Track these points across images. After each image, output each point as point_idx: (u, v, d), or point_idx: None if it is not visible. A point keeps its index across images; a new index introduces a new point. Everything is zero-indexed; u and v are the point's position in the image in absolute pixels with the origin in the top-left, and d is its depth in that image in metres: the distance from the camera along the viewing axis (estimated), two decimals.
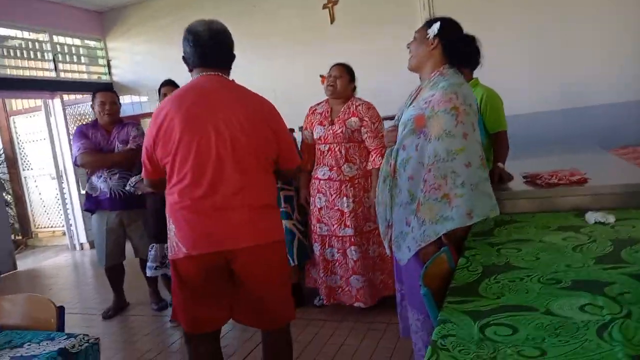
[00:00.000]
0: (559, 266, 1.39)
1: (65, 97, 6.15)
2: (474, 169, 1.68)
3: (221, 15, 6.36)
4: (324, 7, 5.33)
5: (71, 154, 3.37)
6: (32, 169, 6.82)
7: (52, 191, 6.52)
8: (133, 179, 3.15)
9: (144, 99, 6.48)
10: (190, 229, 1.71)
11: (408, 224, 1.84)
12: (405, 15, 4.98)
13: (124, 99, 6.54)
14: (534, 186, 2.21)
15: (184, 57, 1.82)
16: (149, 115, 6.34)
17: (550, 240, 1.64)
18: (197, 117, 1.69)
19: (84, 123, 3.46)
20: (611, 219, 1.76)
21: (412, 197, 1.82)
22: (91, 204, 3.44)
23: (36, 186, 6.87)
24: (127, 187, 3.22)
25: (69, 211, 6.07)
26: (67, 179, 6.02)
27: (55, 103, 5.93)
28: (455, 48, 1.81)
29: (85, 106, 6.29)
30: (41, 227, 7.01)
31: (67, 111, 6.07)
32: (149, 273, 3.23)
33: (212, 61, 1.77)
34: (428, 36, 1.82)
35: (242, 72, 5.34)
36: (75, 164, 3.45)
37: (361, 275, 2.88)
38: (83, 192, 5.92)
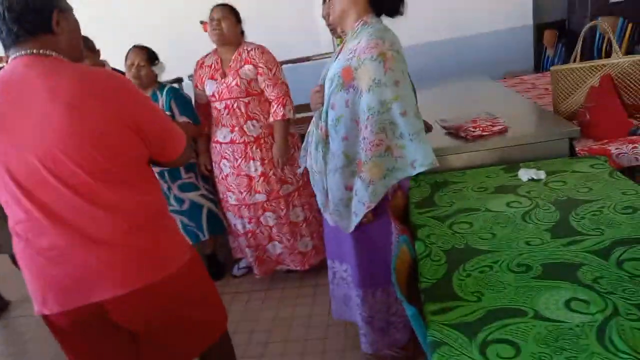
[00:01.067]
0: (518, 244, 1.35)
1: None
2: (411, 117, 1.58)
3: None
4: None
5: None
6: None
7: None
8: None
9: None
10: (35, 281, 1.28)
11: (350, 189, 1.71)
12: None
13: None
14: (457, 139, 2.17)
15: None
16: None
17: (496, 209, 1.61)
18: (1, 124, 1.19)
19: None
20: (542, 175, 1.78)
21: (348, 159, 1.69)
22: None
23: None
24: None
25: None
26: None
27: None
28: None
29: None
30: None
31: None
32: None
33: (13, 35, 1.21)
34: None
35: (130, 17, 4.63)
36: None
37: (280, 242, 2.73)
38: None
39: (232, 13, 2.59)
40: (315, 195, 2.66)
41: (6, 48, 1.25)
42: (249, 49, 2.59)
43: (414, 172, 1.61)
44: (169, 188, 2.74)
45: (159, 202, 1.39)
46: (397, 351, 1.99)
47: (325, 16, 2.53)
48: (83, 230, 1.22)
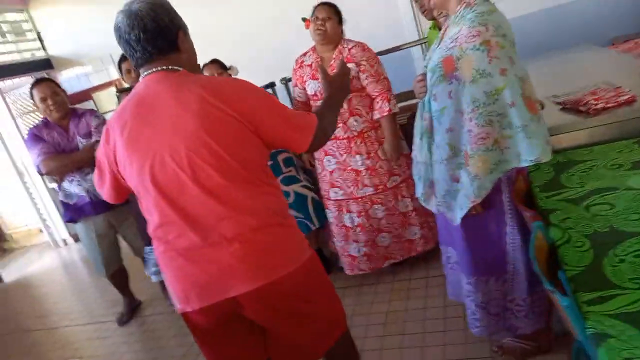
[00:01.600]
0: None
1: (1, 84, 5.46)
2: (521, 107, 1.48)
3: None
4: None
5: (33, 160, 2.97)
6: None
7: (16, 189, 5.97)
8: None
9: (89, 68, 5.82)
10: (176, 280, 1.38)
11: (456, 180, 1.65)
12: None
13: (67, 73, 5.88)
14: (577, 114, 2.00)
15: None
16: (101, 87, 5.74)
17: (637, 185, 1.46)
18: (138, 138, 1.31)
19: (35, 125, 3.01)
20: None
21: (453, 151, 1.62)
22: (72, 213, 3.06)
23: None
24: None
25: (40, 207, 5.61)
26: (29, 173, 5.49)
27: None
28: None
29: (21, 90, 5.62)
30: (14, 228, 6.52)
31: (7, 100, 5.41)
32: (153, 279, 2.99)
33: (147, 54, 1.32)
34: None
35: (213, 28, 4.89)
36: (39, 173, 3.00)
37: (389, 232, 2.71)
38: (51, 185, 5.46)
39: (336, 13, 2.62)
40: None
41: (138, 66, 1.36)
42: (349, 46, 2.60)
43: (521, 165, 1.52)
44: None
45: (281, 201, 1.44)
46: (527, 343, 1.89)
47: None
48: (217, 229, 1.30)
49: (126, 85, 3.25)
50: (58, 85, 3.01)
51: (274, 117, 1.35)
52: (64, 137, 2.94)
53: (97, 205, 2.99)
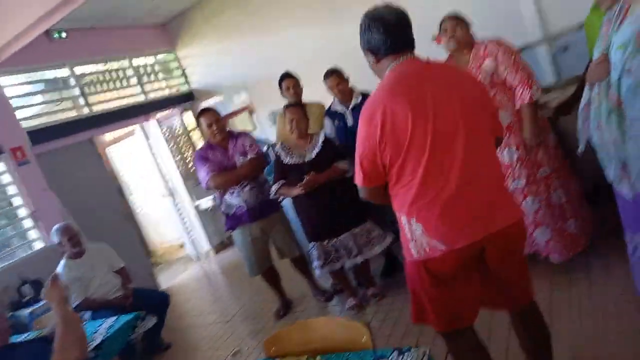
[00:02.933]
0: None
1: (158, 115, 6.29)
2: None
3: None
4: None
5: (198, 178, 3.44)
6: (132, 193, 7.13)
7: (162, 209, 6.74)
8: (274, 187, 3.15)
9: (219, 99, 6.48)
10: (445, 224, 1.58)
11: None
12: None
13: (206, 103, 6.59)
14: None
15: (368, 48, 1.67)
16: (235, 114, 6.36)
17: None
18: (423, 104, 1.54)
19: (200, 147, 3.50)
20: None
21: None
22: (232, 222, 3.47)
23: (142, 207, 7.17)
24: (271, 196, 3.22)
25: (187, 223, 6.28)
26: (177, 193, 6.20)
27: (151, 125, 6.06)
28: None
29: (172, 120, 6.41)
30: (159, 244, 7.34)
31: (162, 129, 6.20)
32: (318, 273, 3.22)
33: (404, 45, 1.63)
34: None
35: (326, 49, 5.29)
36: (207, 188, 3.46)
37: (546, 225, 2.69)
38: (196, 203, 6.12)
39: (462, 20, 2.76)
40: (571, 180, 2.64)
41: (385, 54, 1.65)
42: (483, 45, 2.70)
43: None
44: None
45: None
46: None
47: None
48: (479, 180, 1.59)
49: (288, 100, 3.63)
50: (219, 114, 3.49)
51: (493, 105, 1.75)
52: (225, 156, 3.38)
53: (253, 214, 3.38)
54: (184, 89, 6.65)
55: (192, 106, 6.67)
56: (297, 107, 3.18)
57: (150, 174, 6.34)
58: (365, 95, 3.31)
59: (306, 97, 3.73)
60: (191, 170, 6.34)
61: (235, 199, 3.37)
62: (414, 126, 1.53)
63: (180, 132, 6.49)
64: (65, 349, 1.55)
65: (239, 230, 3.47)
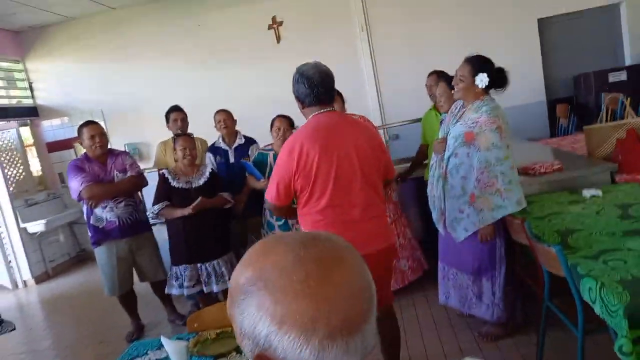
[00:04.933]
0: (608, 222, 2.12)
1: None
2: (514, 170, 2.39)
3: (166, 33, 6.64)
4: (270, 27, 5.74)
5: (70, 189, 3.33)
6: None
7: None
8: (156, 207, 3.26)
9: (65, 120, 6.19)
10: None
11: (461, 212, 2.48)
12: (345, 36, 5.65)
13: (52, 123, 6.21)
14: (529, 176, 2.99)
15: (297, 96, 2.11)
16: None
17: (575, 210, 2.39)
18: (330, 148, 1.99)
19: (75, 158, 3.46)
20: (600, 192, 2.58)
21: (463, 191, 2.46)
22: (99, 235, 3.44)
23: None
24: (150, 214, 3.34)
25: (7, 247, 5.60)
26: (2, 213, 5.54)
27: None
28: (493, 82, 2.46)
29: (7, 133, 5.83)
30: None
31: None
32: (186, 292, 3.35)
33: (325, 99, 2.06)
34: (476, 83, 2.40)
35: (195, 89, 5.65)
36: (78, 199, 3.40)
37: None
38: (22, 225, 5.55)
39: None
40: (408, 225, 3.46)
41: (313, 104, 2.07)
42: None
43: (519, 209, 2.36)
44: None
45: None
46: (497, 330, 2.66)
47: (432, 94, 3.42)
48: (365, 211, 2.05)
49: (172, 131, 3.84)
50: (103, 128, 3.53)
51: (387, 152, 2.28)
52: (103, 170, 3.41)
53: (123, 230, 3.42)
54: (28, 102, 6.15)
55: (32, 122, 6.19)
56: (188, 137, 3.44)
57: None
58: (247, 139, 3.76)
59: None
60: (24, 190, 5.79)
61: (107, 213, 3.38)
62: (319, 167, 2.00)
63: (14, 147, 5.91)
64: None
65: (105, 247, 3.44)
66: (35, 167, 6.27)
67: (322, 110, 2.07)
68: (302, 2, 5.67)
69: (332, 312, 0.56)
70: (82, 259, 6.38)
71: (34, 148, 6.24)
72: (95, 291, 4.93)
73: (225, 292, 3.55)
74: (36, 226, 5.65)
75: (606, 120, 3.38)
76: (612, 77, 5.17)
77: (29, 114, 6.12)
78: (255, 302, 0.57)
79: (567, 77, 5.72)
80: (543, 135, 5.55)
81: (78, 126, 3.50)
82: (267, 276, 0.58)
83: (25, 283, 5.67)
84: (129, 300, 3.65)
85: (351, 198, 2.04)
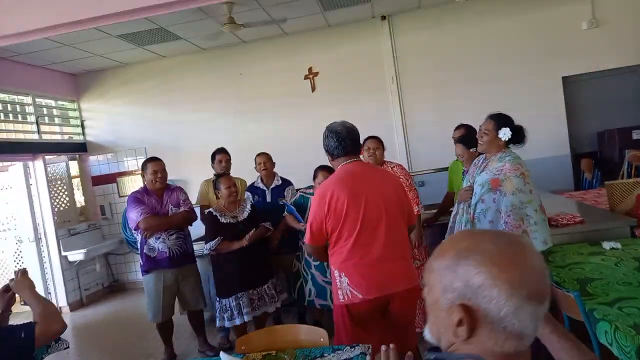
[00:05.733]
0: (626, 273, 2.26)
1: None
2: (539, 212, 2.55)
3: (210, 80, 7.13)
4: (306, 77, 6.13)
5: (128, 220, 3.58)
6: None
7: (25, 254, 6.22)
8: (212, 243, 3.44)
9: (110, 156, 6.62)
10: (364, 279, 2.21)
11: None
12: (376, 86, 5.98)
13: (98, 158, 6.64)
14: (552, 227, 3.13)
15: (327, 150, 2.36)
16: (129, 173, 6.51)
17: (595, 261, 2.53)
18: (358, 193, 2.23)
19: (135, 190, 3.77)
20: (619, 245, 2.72)
21: None
22: (150, 264, 3.68)
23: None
24: (206, 251, 3.53)
25: (48, 275, 5.91)
26: (46, 241, 5.88)
27: (37, 165, 5.86)
28: (513, 138, 2.68)
29: (57, 166, 6.26)
30: None
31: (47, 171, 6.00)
32: (246, 319, 3.48)
33: (352, 150, 2.34)
34: (499, 136, 2.63)
35: (234, 133, 6.03)
36: (135, 228, 3.65)
37: None
38: (64, 254, 5.87)
39: (381, 143, 3.63)
40: None
41: (341, 155, 2.33)
42: (393, 165, 3.65)
43: (545, 248, 2.51)
44: None
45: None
46: None
47: (460, 155, 3.62)
48: (392, 252, 2.24)
49: (215, 171, 4.13)
50: (164, 165, 3.82)
51: (410, 199, 2.46)
52: (159, 203, 3.71)
53: (172, 261, 3.67)
54: (78, 138, 6.62)
55: (80, 157, 6.64)
56: (230, 177, 3.73)
57: (22, 215, 5.93)
58: (284, 180, 4.03)
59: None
60: (67, 220, 6.15)
61: (160, 244, 3.63)
62: (348, 209, 2.22)
63: (62, 178, 6.33)
64: (48, 317, 1.73)
65: (154, 275, 3.66)
66: (79, 199, 6.66)
67: (349, 161, 2.31)
68: (337, 55, 6.05)
69: (534, 281, 0.77)
70: (114, 289, 6.65)
71: (79, 180, 6.65)
72: (127, 320, 5.17)
73: (277, 311, 3.72)
74: (76, 255, 5.96)
75: (628, 176, 3.52)
76: (636, 135, 5.31)
77: (79, 149, 6.57)
78: (473, 263, 0.78)
79: (592, 132, 5.88)
80: (567, 188, 5.65)
81: (143, 160, 3.82)
82: (484, 247, 0.80)
83: (60, 309, 5.93)
84: (167, 328, 3.84)
85: (377, 238, 2.23)
